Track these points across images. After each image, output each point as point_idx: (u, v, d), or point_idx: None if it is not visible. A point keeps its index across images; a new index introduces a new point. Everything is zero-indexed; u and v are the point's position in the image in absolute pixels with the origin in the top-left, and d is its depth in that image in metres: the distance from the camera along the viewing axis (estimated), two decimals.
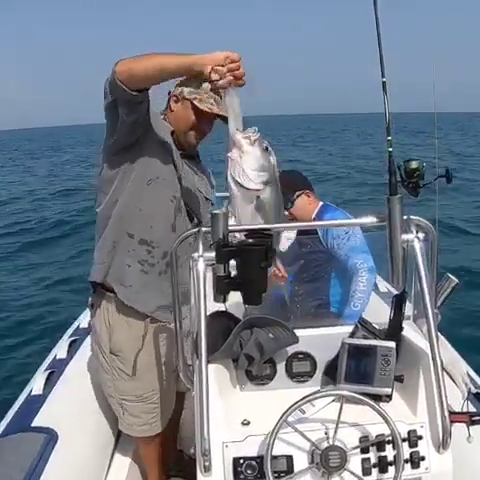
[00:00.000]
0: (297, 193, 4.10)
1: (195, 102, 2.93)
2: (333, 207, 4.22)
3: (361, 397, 2.22)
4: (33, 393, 3.43)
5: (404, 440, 2.22)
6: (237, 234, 2.46)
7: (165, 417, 3.26)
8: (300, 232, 4.17)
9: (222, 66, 2.27)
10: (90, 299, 3.19)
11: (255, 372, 2.65)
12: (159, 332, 3.11)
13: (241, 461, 2.22)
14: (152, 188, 2.91)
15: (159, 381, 3.17)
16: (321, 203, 4.20)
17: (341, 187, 21.53)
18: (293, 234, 4.26)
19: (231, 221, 2.43)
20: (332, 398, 2.37)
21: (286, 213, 4.04)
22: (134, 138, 2.79)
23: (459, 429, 2.29)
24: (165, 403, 3.23)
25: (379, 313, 3.46)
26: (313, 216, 4.12)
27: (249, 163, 2.36)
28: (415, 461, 2.24)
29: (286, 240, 4.14)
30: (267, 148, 2.40)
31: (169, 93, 3.05)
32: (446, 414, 2.21)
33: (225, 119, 2.54)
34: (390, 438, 2.19)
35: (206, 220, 3.09)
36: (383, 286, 4.85)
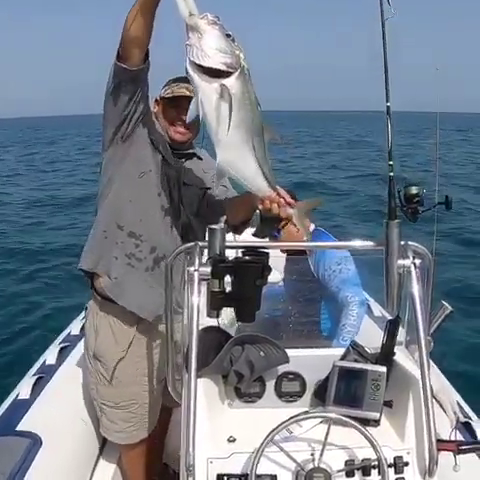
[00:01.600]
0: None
1: (166, 95, 3.02)
2: (323, 232, 4.18)
3: (349, 420, 2.22)
4: (19, 397, 3.42)
5: (390, 466, 2.22)
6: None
7: (144, 428, 3.25)
8: (292, 253, 4.15)
9: None
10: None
11: (244, 389, 2.64)
12: (146, 343, 3.12)
13: (225, 478, 2.21)
14: (144, 181, 2.96)
15: (139, 392, 3.16)
16: (312, 226, 4.12)
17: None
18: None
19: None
20: (320, 420, 2.35)
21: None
22: (133, 117, 2.83)
23: (446, 457, 2.28)
24: (144, 415, 3.22)
25: (372, 337, 3.45)
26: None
27: (208, 43, 2.15)
28: None
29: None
30: (230, 36, 2.19)
31: (155, 101, 3.14)
32: (433, 442, 2.20)
33: None
34: (376, 463, 2.18)
35: (204, 212, 3.16)
36: (377, 310, 4.84)
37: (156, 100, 3.11)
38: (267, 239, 3.01)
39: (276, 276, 4.19)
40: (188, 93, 2.87)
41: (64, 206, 19.00)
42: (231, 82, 2.21)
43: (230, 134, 2.28)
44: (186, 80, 2.91)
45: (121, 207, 2.98)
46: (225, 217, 3.08)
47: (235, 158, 2.39)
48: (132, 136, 2.90)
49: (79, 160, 34.69)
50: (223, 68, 2.18)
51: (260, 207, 2.63)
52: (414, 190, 2.84)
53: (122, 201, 2.98)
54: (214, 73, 2.19)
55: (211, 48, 2.15)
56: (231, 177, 2.52)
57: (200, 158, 3.22)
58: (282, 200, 2.59)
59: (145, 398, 3.18)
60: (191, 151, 3.20)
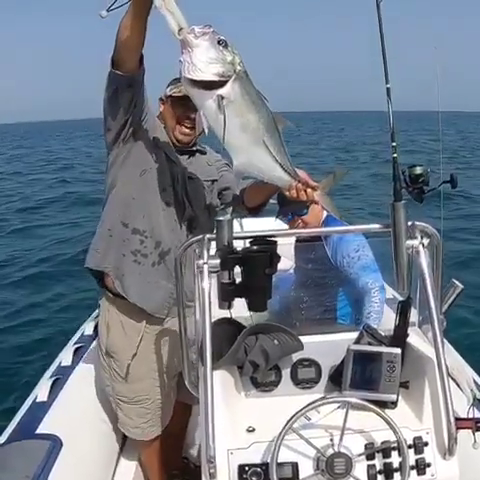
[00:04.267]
0: None
1: (173, 94, 3.02)
2: (336, 219, 4.18)
3: (366, 404, 2.22)
4: (38, 400, 3.43)
5: (410, 447, 2.22)
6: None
7: (159, 424, 3.29)
8: (307, 238, 4.14)
9: None
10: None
11: (260, 379, 2.65)
12: (157, 339, 3.15)
13: (246, 468, 2.22)
14: (145, 178, 3.00)
15: (152, 387, 3.20)
16: (325, 213, 4.14)
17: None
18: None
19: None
20: (337, 405, 2.36)
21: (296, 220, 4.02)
22: (134, 120, 2.87)
23: (465, 435, 2.28)
24: (158, 410, 3.26)
25: (384, 319, 3.45)
26: (318, 226, 4.08)
27: (198, 56, 2.18)
28: (421, 468, 2.23)
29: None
30: (222, 41, 2.21)
31: (160, 99, 3.17)
32: (452, 420, 2.20)
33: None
34: (396, 445, 2.18)
35: (209, 203, 3.25)
36: (388, 292, 4.82)
37: (161, 99, 3.14)
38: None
39: (286, 263, 4.18)
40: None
41: None
42: (227, 90, 2.25)
43: (238, 138, 2.35)
44: None
45: (124, 205, 3.02)
46: (231, 208, 3.11)
47: (249, 159, 2.44)
48: (133, 137, 2.94)
49: None
50: (216, 79, 2.21)
51: (287, 194, 2.69)
52: (418, 170, 2.83)
53: (125, 199, 3.02)
54: (209, 85, 2.22)
55: (201, 61, 2.18)
56: (251, 176, 2.59)
57: (204, 152, 3.26)
58: (306, 187, 2.66)
59: (157, 394, 3.22)
60: (194, 148, 3.22)
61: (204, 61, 2.18)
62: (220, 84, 2.22)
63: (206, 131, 2.36)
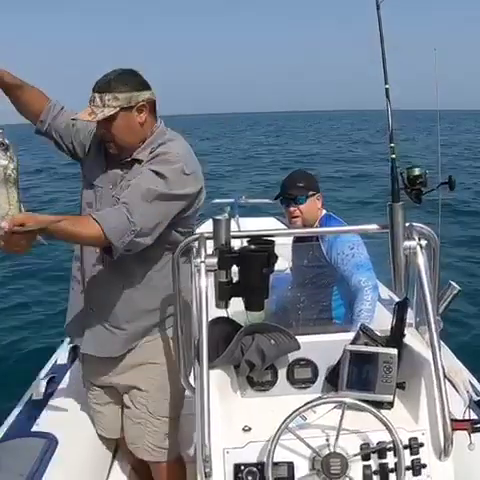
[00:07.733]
0: (312, 192, 4.03)
1: None
2: (334, 217, 4.16)
3: (363, 404, 2.22)
4: (33, 398, 3.42)
5: (405, 447, 2.22)
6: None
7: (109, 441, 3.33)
8: (302, 238, 4.13)
9: None
10: None
11: (256, 378, 2.65)
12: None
13: (242, 467, 2.22)
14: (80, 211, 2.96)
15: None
16: (325, 212, 4.13)
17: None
18: None
19: None
20: (333, 405, 2.36)
21: (292, 209, 4.00)
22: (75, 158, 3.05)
23: (461, 436, 2.28)
24: (102, 428, 3.28)
25: (381, 320, 3.45)
26: (316, 224, 4.07)
27: None
28: (416, 469, 2.23)
29: None
30: (4, 145, 2.16)
31: None
32: (448, 421, 2.20)
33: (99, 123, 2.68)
34: (391, 445, 2.19)
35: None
36: (385, 293, 4.82)
37: None
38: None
39: (283, 264, 4.17)
40: (88, 118, 2.69)
41: None
42: None
43: None
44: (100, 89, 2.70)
45: None
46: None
47: None
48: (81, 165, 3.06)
49: None
50: None
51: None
52: (417, 171, 2.83)
53: None
54: None
55: None
56: None
57: (140, 161, 2.86)
58: None
59: (96, 412, 3.25)
60: (130, 158, 2.87)
61: None
62: None
63: None
